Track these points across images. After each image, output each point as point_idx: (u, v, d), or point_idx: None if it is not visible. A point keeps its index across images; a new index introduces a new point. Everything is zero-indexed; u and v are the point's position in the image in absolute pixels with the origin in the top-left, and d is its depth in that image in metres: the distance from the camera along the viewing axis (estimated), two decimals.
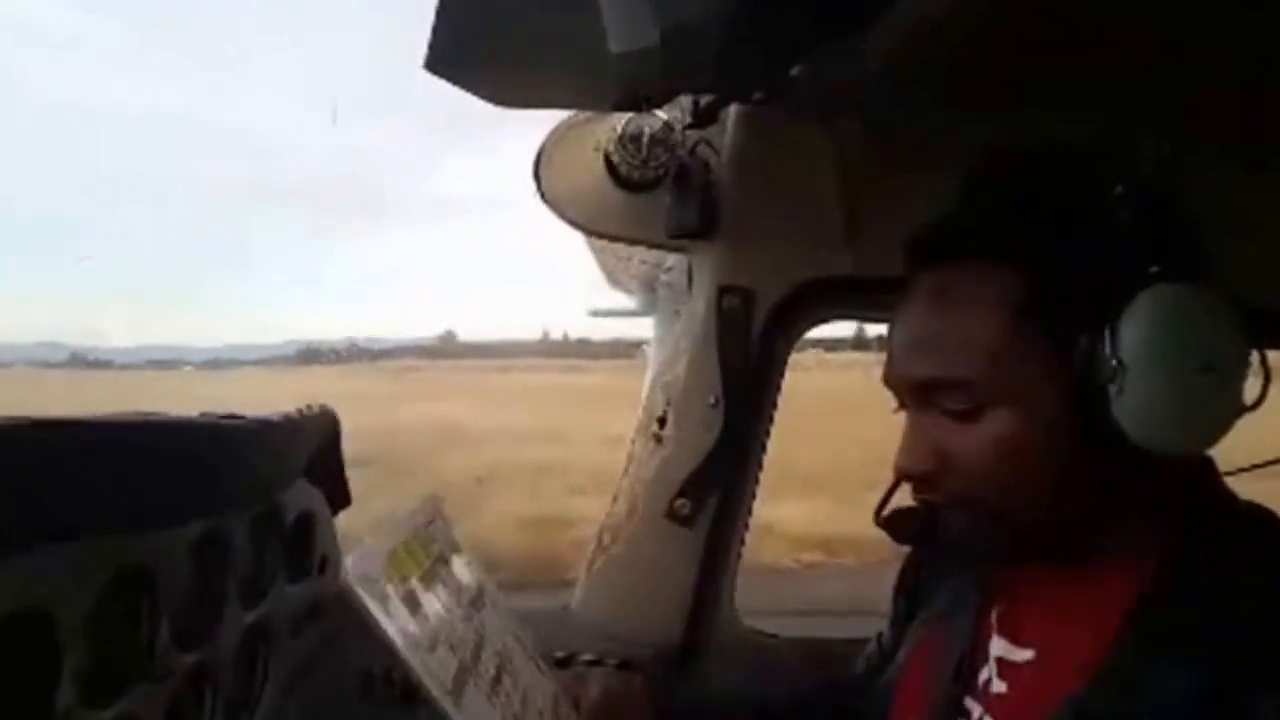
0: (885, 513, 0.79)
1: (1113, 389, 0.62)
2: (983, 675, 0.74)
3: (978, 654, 0.76)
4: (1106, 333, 0.62)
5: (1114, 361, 0.62)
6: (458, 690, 0.69)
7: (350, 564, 0.64)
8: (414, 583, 0.71)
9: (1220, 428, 0.64)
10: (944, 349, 0.69)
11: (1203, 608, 0.64)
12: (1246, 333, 0.63)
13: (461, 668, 0.71)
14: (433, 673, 0.67)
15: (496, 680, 0.76)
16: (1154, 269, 0.63)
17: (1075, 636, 0.68)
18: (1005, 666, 0.73)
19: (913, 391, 0.72)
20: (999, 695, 0.72)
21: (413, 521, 0.77)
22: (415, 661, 0.66)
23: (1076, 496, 0.68)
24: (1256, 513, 0.70)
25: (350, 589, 0.64)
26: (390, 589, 0.67)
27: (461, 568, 0.82)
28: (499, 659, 0.77)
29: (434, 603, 0.72)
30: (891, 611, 0.94)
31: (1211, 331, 0.62)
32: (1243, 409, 0.64)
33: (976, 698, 0.74)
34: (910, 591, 0.92)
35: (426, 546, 0.77)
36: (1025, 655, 0.72)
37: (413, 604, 0.69)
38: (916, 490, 0.74)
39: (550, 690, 0.84)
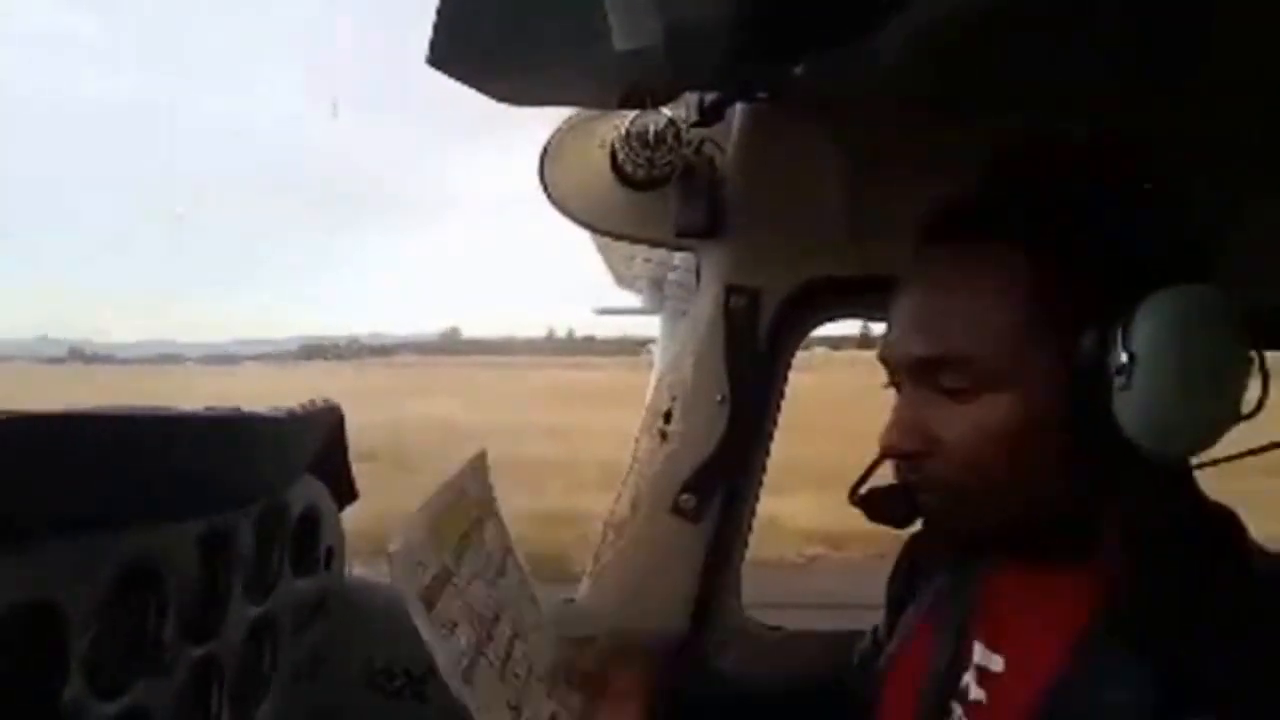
0: (863, 491, 0.78)
1: (1118, 383, 0.61)
2: (964, 680, 0.74)
3: (962, 658, 0.75)
4: (1119, 327, 0.62)
5: (1124, 356, 0.61)
6: (470, 671, 0.70)
7: (392, 543, 0.65)
8: (447, 557, 0.72)
9: (1215, 434, 0.63)
10: (949, 325, 0.68)
11: (1158, 620, 0.63)
12: (1248, 338, 0.63)
13: (478, 646, 0.72)
14: (449, 655, 0.68)
15: (508, 653, 0.76)
16: (1172, 269, 0.62)
17: (1043, 644, 0.68)
18: (983, 675, 0.72)
19: (911, 368, 0.70)
20: (977, 704, 0.72)
21: (457, 484, 0.77)
22: (435, 641, 0.67)
23: (1058, 493, 0.67)
24: (1222, 515, 0.70)
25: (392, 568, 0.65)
26: (425, 568, 0.68)
27: (492, 533, 0.83)
28: (513, 627, 0.78)
29: (462, 578, 0.73)
30: (885, 604, 0.94)
31: (1220, 337, 0.62)
32: (1239, 417, 0.63)
33: (960, 701, 0.74)
34: (901, 586, 0.91)
35: (466, 511, 0.78)
36: (999, 664, 0.71)
37: (443, 580, 0.70)
38: (899, 470, 0.73)
39: (551, 659, 0.84)
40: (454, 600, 0.71)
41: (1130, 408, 0.61)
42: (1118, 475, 0.65)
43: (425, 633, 0.66)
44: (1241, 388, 0.63)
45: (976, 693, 0.72)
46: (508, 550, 0.86)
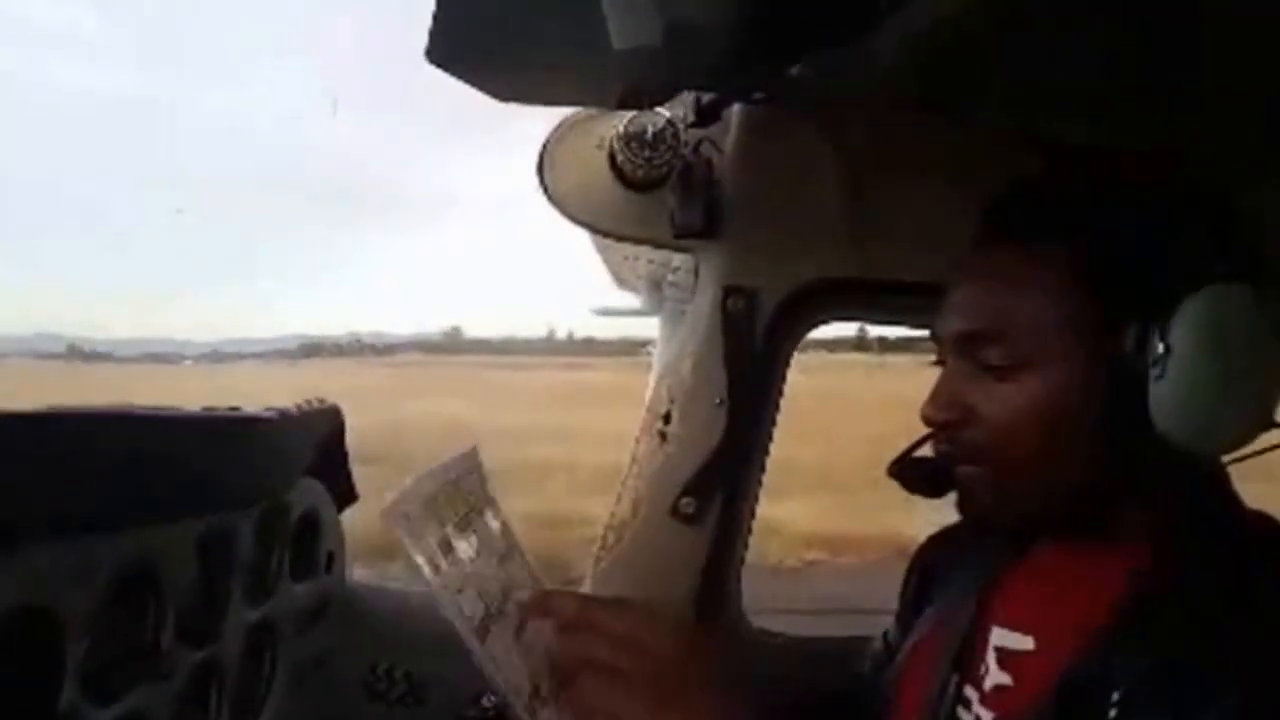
0: (901, 463, 0.81)
1: (1154, 373, 0.63)
2: (983, 666, 0.74)
3: (977, 642, 0.76)
4: (1158, 322, 0.63)
5: (1161, 347, 0.63)
6: (483, 631, 0.69)
7: (387, 499, 0.65)
8: (449, 529, 0.71)
9: (1244, 434, 0.65)
10: (991, 304, 0.71)
11: (1190, 604, 0.64)
12: None
13: (487, 614, 0.71)
14: (461, 611, 0.68)
15: (519, 630, 0.76)
16: (1211, 270, 0.64)
17: (1072, 620, 0.69)
18: (1006, 656, 0.73)
19: (955, 343, 0.74)
20: (1001, 687, 0.72)
21: (450, 472, 0.77)
22: (444, 599, 0.66)
23: (1089, 476, 0.69)
24: (1259, 518, 0.71)
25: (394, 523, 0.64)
26: (426, 527, 0.68)
27: (493, 522, 0.83)
28: (523, 613, 0.77)
29: (466, 550, 0.72)
30: (898, 608, 0.94)
31: (1256, 337, 0.63)
32: (1271, 421, 0.65)
33: (976, 686, 0.74)
34: (918, 587, 0.92)
35: (463, 497, 0.77)
36: (1026, 644, 0.72)
37: (445, 547, 0.69)
38: (936, 440, 0.76)
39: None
40: (457, 566, 0.70)
41: (1162, 397, 0.63)
42: (1149, 467, 0.67)
43: (437, 591, 0.66)
44: (1277, 391, 0.65)
45: (1000, 676, 0.73)
46: (511, 542, 0.85)
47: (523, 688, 0.71)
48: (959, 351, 0.73)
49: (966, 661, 0.76)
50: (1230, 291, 0.63)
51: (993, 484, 0.72)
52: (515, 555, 0.85)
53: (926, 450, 0.80)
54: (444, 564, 0.68)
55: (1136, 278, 0.66)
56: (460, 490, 0.78)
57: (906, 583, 0.94)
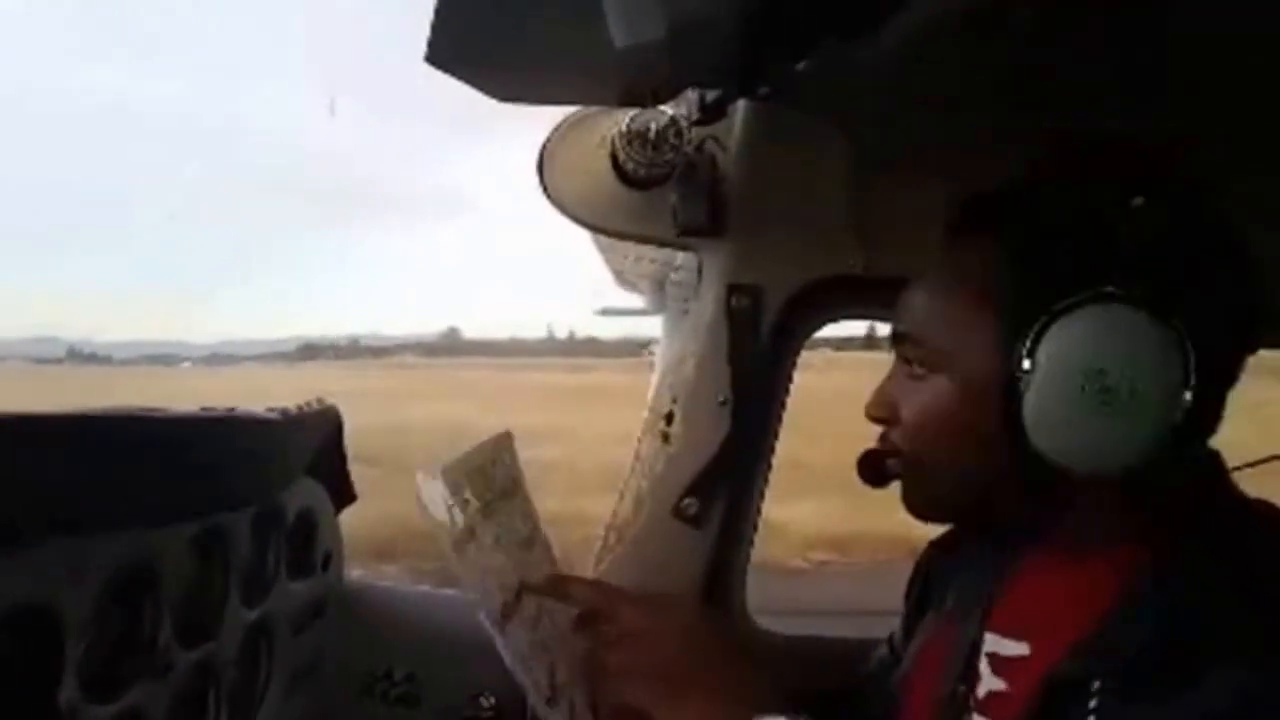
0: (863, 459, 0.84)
1: (1023, 386, 0.64)
2: (980, 671, 0.74)
3: (976, 650, 0.76)
4: (1034, 333, 0.64)
5: (1027, 361, 0.64)
6: (505, 622, 0.69)
7: (419, 478, 0.65)
8: (474, 512, 0.71)
9: (1115, 454, 0.63)
10: (914, 305, 0.76)
11: (1191, 593, 0.63)
12: (1206, 369, 0.62)
13: (506, 604, 0.71)
14: (486, 591, 0.68)
15: (536, 620, 0.75)
16: (1110, 288, 0.62)
17: (1067, 623, 0.68)
18: (1000, 662, 0.73)
19: (893, 343, 0.78)
20: (995, 693, 0.72)
21: (481, 455, 0.77)
22: (469, 579, 0.66)
23: (997, 479, 0.71)
24: (1263, 508, 0.70)
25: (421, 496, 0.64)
26: (455, 504, 0.68)
27: (519, 508, 0.82)
28: (538, 604, 0.77)
29: (488, 536, 0.72)
30: (903, 610, 0.94)
31: (1133, 358, 0.62)
32: (1166, 440, 0.62)
33: (974, 692, 0.74)
34: (921, 591, 0.92)
35: (490, 482, 0.77)
36: (1020, 650, 0.72)
37: (470, 532, 0.69)
38: (881, 436, 0.80)
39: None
40: (476, 560, 0.70)
41: (1027, 411, 0.64)
42: (1059, 474, 0.65)
43: (462, 576, 0.66)
44: (1154, 412, 0.62)
45: (995, 682, 0.72)
46: (535, 529, 0.85)
47: (541, 681, 0.71)
48: (896, 353, 0.78)
49: (968, 671, 0.76)
50: (1112, 310, 0.62)
51: (910, 479, 0.77)
52: (538, 541, 0.84)
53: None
54: (470, 549, 0.69)
55: (1028, 287, 0.65)
56: (488, 474, 0.78)
57: (911, 585, 0.94)
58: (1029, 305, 0.64)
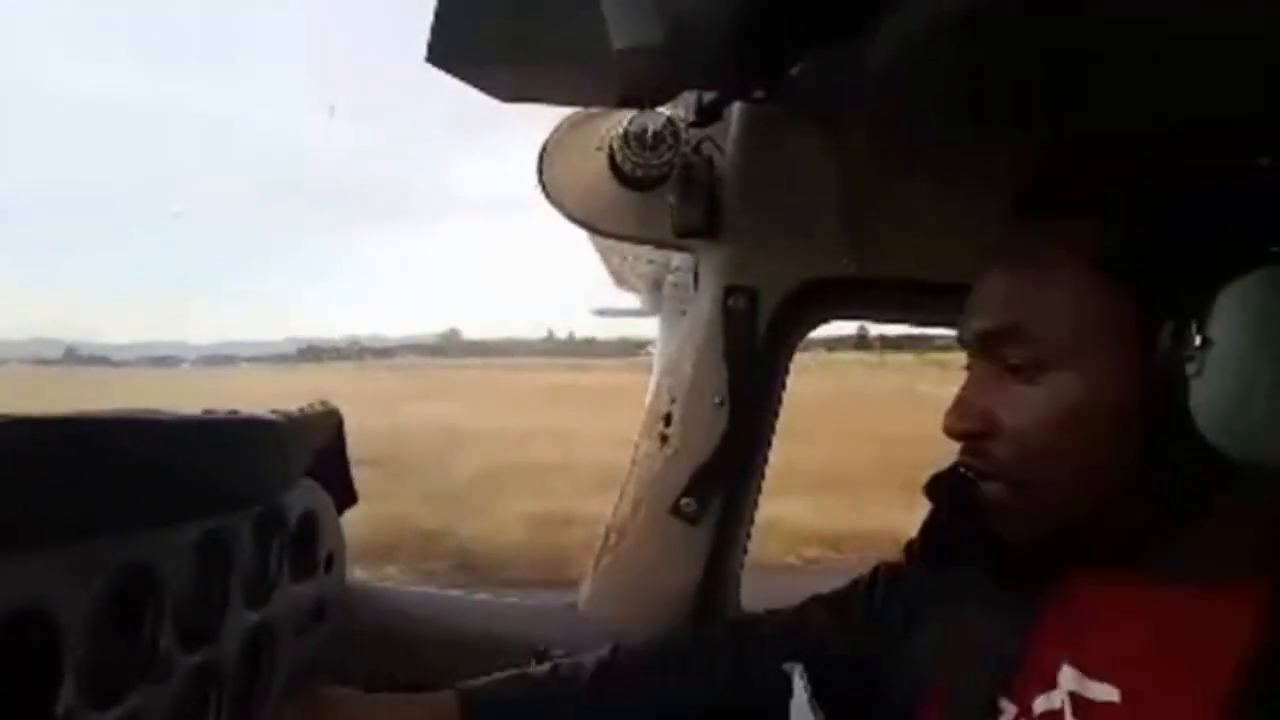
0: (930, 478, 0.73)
1: (1190, 369, 0.55)
2: (1047, 703, 0.65)
3: (1032, 673, 0.67)
4: (1197, 310, 0.55)
5: (1198, 340, 0.54)
6: None
7: None
8: None
9: None
10: (1014, 297, 0.64)
11: None
12: None
13: None
14: None
15: None
16: (1262, 252, 0.54)
17: (1176, 683, 0.59)
18: (1082, 705, 0.63)
19: (977, 344, 0.66)
20: None
21: None
22: None
23: (1134, 495, 0.60)
24: None
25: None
26: None
27: None
28: None
29: None
30: (905, 559, 0.85)
31: None
32: None
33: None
34: (926, 558, 0.82)
35: None
36: (1108, 694, 0.62)
37: None
38: (962, 453, 0.68)
39: None
40: None
41: (1201, 398, 0.55)
42: (1202, 483, 0.58)
43: None
44: None
45: None
46: None
47: None
48: (982, 353, 0.66)
49: (1019, 692, 0.67)
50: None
51: (1021, 504, 0.64)
52: None
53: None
54: None
55: (1175, 259, 0.57)
56: None
57: (912, 548, 0.83)
58: (1177, 278, 0.56)
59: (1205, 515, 0.60)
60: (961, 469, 0.68)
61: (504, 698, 0.87)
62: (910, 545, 0.83)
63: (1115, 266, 0.59)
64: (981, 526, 0.68)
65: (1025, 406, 0.62)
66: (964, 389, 0.67)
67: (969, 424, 0.65)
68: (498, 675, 0.88)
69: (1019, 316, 0.63)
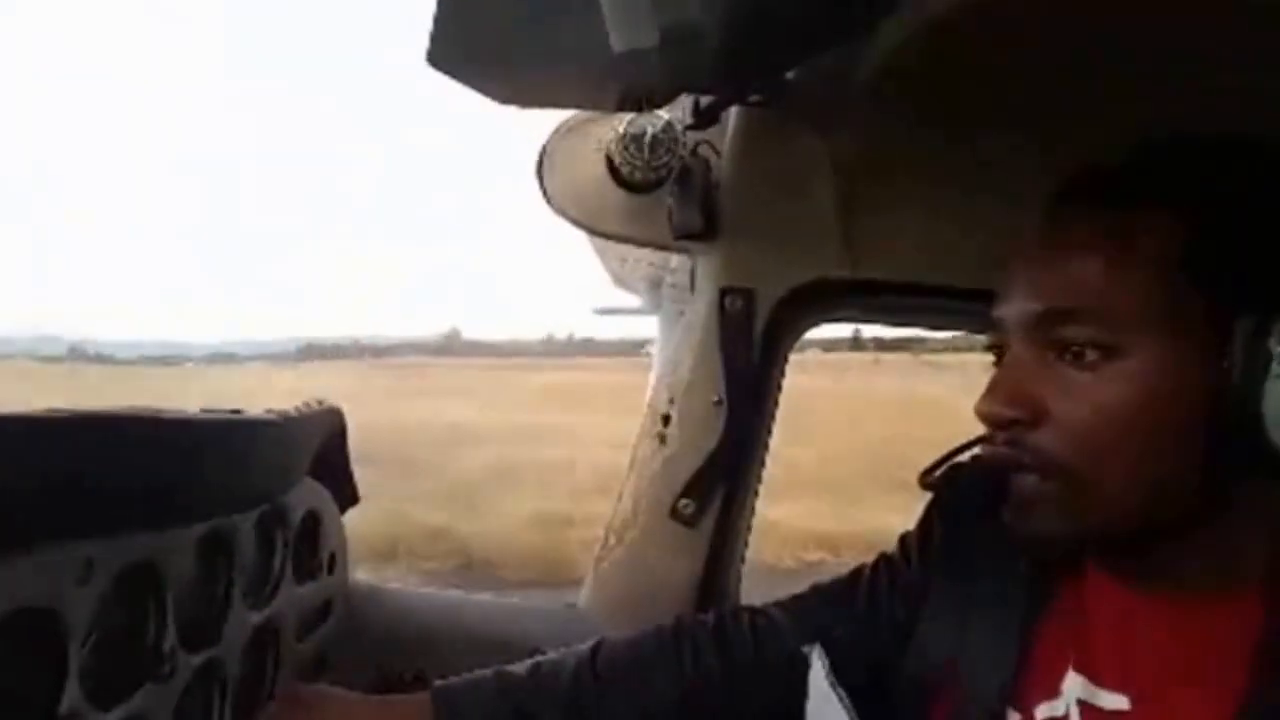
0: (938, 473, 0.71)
1: (1275, 370, 0.53)
2: (1050, 710, 0.64)
3: (1036, 679, 0.65)
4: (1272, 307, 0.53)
5: (1274, 342, 0.53)
6: None
7: None
8: None
9: None
10: (1077, 277, 0.59)
11: None
12: None
13: None
14: None
15: None
16: None
17: (1187, 691, 0.58)
18: (1091, 714, 0.62)
19: (1025, 325, 0.61)
20: None
21: None
22: None
23: (1183, 500, 0.58)
24: None
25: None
26: None
27: None
28: None
29: None
30: (902, 551, 0.84)
31: None
32: None
33: None
34: (928, 545, 0.81)
35: None
36: (1118, 703, 0.61)
37: None
38: (991, 441, 0.64)
39: None
40: None
41: (1274, 407, 0.53)
42: (1266, 488, 0.57)
43: None
44: None
45: None
46: None
47: None
48: (1029, 336, 0.61)
49: (1023, 699, 0.66)
50: None
51: (1063, 501, 0.59)
52: None
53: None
54: None
55: (1260, 261, 0.56)
56: None
57: (911, 538, 0.84)
58: (1260, 281, 0.55)
59: (1222, 521, 0.59)
60: (989, 459, 0.64)
61: (479, 698, 0.85)
62: (904, 538, 0.84)
63: (1196, 263, 0.57)
64: (994, 521, 0.64)
65: (1077, 394, 0.58)
66: (1003, 373, 0.62)
67: (1013, 410, 0.60)
68: (477, 673, 0.86)
69: (1084, 299, 0.58)
